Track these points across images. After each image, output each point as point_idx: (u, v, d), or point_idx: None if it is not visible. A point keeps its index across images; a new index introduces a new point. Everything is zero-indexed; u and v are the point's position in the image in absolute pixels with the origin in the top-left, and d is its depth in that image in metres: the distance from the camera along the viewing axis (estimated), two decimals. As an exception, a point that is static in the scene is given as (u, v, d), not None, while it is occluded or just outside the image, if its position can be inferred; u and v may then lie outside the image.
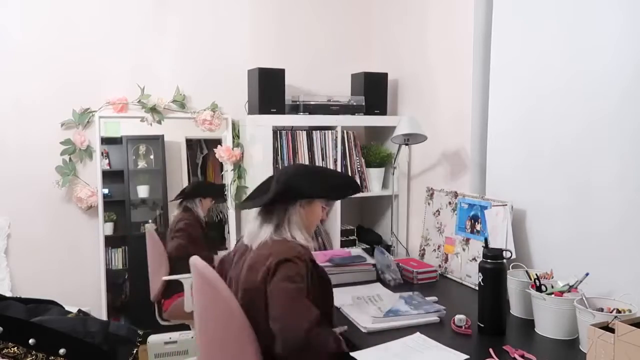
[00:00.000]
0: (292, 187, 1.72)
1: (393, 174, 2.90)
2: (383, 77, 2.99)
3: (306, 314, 1.50)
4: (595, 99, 1.84)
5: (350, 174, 2.90)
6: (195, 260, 1.70)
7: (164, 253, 2.81)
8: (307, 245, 1.70)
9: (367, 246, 2.95)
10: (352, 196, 1.93)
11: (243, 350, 1.56)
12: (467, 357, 1.53)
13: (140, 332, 1.50)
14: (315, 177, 1.80)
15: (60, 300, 1.65)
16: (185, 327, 2.97)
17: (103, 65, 2.76)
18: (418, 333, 1.71)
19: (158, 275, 2.79)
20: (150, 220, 3.05)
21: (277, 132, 2.74)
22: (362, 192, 2.41)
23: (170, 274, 2.71)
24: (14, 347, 1.23)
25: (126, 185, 3.01)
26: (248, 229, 1.78)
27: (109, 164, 2.94)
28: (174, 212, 3.00)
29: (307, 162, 2.79)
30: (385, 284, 2.28)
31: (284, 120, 2.78)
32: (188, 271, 1.77)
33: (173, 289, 2.71)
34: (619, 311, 1.54)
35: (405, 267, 2.38)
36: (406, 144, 2.74)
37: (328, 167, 2.82)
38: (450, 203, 2.48)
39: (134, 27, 2.80)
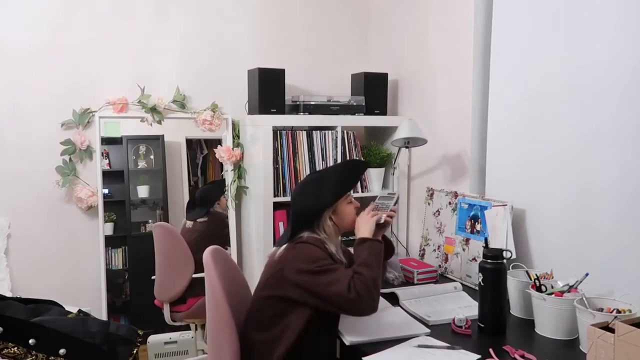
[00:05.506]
0: (305, 213, 1.71)
1: (393, 174, 2.90)
2: (383, 77, 2.99)
3: (334, 280, 1.57)
4: (595, 99, 1.84)
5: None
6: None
7: (187, 251, 2.78)
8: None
9: (367, 246, 2.94)
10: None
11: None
12: (479, 356, 1.53)
13: (140, 332, 1.50)
14: (318, 186, 1.76)
15: (60, 300, 1.65)
16: (185, 327, 2.97)
17: (103, 65, 2.76)
18: (423, 335, 1.71)
19: (181, 273, 2.78)
20: (150, 221, 3.05)
21: (277, 132, 2.73)
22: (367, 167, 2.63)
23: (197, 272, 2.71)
24: (14, 347, 1.23)
25: (126, 185, 3.01)
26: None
27: (109, 164, 2.94)
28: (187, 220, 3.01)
29: (307, 162, 2.78)
30: (387, 282, 2.27)
31: (284, 121, 2.78)
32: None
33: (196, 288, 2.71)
34: (619, 311, 1.54)
35: (405, 267, 2.38)
36: (406, 147, 2.73)
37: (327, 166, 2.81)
38: (450, 203, 2.48)
39: (134, 27, 2.80)
